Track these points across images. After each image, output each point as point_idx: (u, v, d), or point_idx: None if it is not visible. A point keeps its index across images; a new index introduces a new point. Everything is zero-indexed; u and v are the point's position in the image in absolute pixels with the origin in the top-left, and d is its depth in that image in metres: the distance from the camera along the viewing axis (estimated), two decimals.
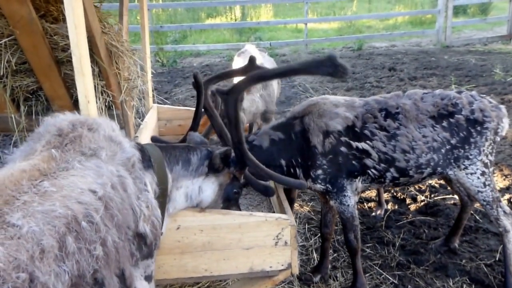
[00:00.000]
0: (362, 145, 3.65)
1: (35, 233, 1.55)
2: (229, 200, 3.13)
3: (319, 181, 3.73)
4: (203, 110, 3.64)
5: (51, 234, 1.59)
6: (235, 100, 2.80)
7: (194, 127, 3.70)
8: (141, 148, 2.56)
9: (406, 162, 3.66)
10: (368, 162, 3.67)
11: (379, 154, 3.65)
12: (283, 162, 3.79)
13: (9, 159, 2.19)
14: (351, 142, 3.65)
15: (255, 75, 2.95)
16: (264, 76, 3.00)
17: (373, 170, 3.69)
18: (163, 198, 2.60)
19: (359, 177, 3.75)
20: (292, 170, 3.81)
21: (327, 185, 3.74)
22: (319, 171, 3.70)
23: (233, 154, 3.00)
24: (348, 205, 3.77)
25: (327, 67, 2.34)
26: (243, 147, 2.91)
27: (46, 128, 2.25)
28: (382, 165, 3.67)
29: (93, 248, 1.73)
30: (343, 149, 3.65)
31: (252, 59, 3.33)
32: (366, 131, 3.66)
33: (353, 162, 3.68)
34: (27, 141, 2.26)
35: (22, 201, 1.65)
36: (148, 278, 2.40)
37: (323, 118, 3.70)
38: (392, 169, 3.69)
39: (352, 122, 3.68)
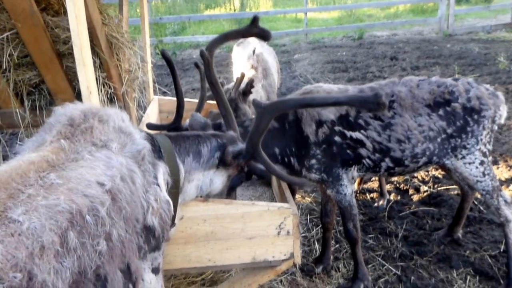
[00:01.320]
0: (356, 134, 3.61)
1: (36, 229, 1.52)
2: (232, 188, 3.18)
3: (314, 171, 3.71)
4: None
5: (53, 229, 1.57)
6: (271, 117, 2.81)
7: (179, 102, 3.71)
8: (151, 139, 2.52)
9: (402, 152, 3.61)
10: (363, 151, 3.63)
11: (373, 143, 3.61)
12: (276, 150, 3.75)
13: (20, 149, 2.15)
14: (345, 131, 3.61)
15: (303, 101, 2.94)
16: (311, 103, 2.96)
17: (367, 160, 3.66)
18: (176, 189, 2.58)
19: (354, 166, 3.72)
20: (286, 159, 3.78)
21: (322, 174, 3.71)
22: (313, 161, 3.68)
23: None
24: (345, 194, 3.75)
25: (371, 104, 2.50)
26: (259, 147, 2.92)
27: (57, 118, 2.21)
28: (377, 155, 3.64)
29: (97, 243, 1.70)
30: (337, 138, 3.62)
31: (255, 19, 3.29)
32: (360, 120, 3.62)
33: (348, 151, 3.64)
34: (38, 132, 2.23)
35: (26, 195, 1.63)
36: (155, 271, 2.39)
37: (315, 108, 3.64)
38: (387, 159, 3.65)
39: (346, 111, 3.64)
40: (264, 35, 3.29)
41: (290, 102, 2.94)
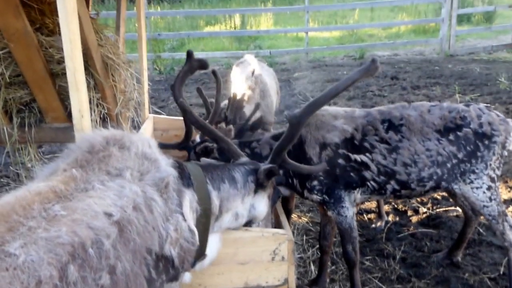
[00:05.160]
0: (360, 157, 3.59)
1: (33, 263, 1.49)
2: (272, 206, 3.24)
3: (315, 192, 3.69)
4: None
5: (52, 263, 1.53)
6: (304, 122, 2.99)
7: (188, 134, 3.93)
8: (180, 166, 2.49)
9: (407, 175, 3.60)
10: (367, 174, 3.62)
11: (378, 166, 3.60)
12: (281, 171, 3.73)
13: (38, 174, 2.12)
14: (349, 154, 3.60)
15: (330, 93, 3.04)
16: (336, 92, 3.07)
17: (372, 182, 3.64)
18: (206, 218, 2.52)
19: (358, 189, 3.70)
20: (289, 180, 3.77)
21: (324, 195, 3.69)
22: (315, 182, 3.65)
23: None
24: (346, 216, 3.71)
25: (373, 70, 2.93)
26: (285, 156, 3.09)
27: (78, 144, 2.18)
28: (382, 177, 3.62)
29: (99, 277, 1.66)
30: (340, 161, 3.60)
31: (189, 54, 3.47)
32: (365, 144, 3.61)
33: (351, 174, 3.62)
34: (57, 158, 2.19)
35: (27, 227, 1.59)
36: None
37: (320, 131, 3.66)
38: (392, 182, 3.63)
39: (351, 135, 3.63)
40: (203, 65, 3.51)
41: (321, 100, 3.02)
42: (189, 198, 2.39)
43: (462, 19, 19.17)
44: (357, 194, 3.73)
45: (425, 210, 5.64)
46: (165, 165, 2.29)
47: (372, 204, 5.79)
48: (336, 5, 21.06)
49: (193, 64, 3.45)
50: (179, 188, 2.32)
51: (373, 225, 5.34)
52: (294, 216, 5.51)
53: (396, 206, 5.80)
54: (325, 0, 24.21)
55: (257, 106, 4.57)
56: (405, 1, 18.72)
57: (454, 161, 3.62)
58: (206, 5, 23.91)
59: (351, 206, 3.73)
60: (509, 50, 15.79)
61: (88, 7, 4.59)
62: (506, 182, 6.22)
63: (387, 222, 5.38)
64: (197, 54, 16.79)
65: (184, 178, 2.45)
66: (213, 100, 4.51)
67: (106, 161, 2.08)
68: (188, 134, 4.00)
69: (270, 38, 18.65)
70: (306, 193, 3.76)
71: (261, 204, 2.96)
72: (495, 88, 10.74)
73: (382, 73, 12.88)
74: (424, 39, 17.48)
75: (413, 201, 5.86)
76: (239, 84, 5.65)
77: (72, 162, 2.05)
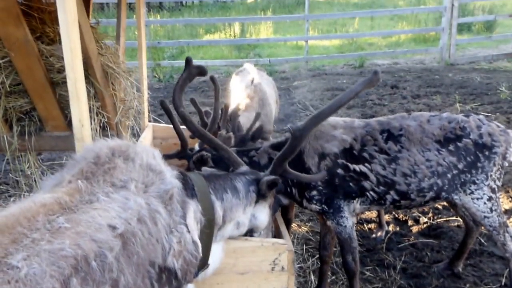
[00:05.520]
0: (360, 167, 3.59)
1: (35, 275, 1.48)
2: (272, 215, 3.27)
3: (314, 202, 3.68)
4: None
5: (54, 275, 1.52)
6: (307, 135, 3.06)
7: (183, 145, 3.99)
8: (184, 177, 2.50)
9: (407, 185, 3.59)
10: (366, 184, 3.61)
11: (377, 177, 3.59)
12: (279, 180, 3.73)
13: (43, 185, 2.12)
14: (349, 164, 3.60)
15: (332, 106, 3.08)
16: (339, 105, 3.11)
17: (371, 193, 3.63)
18: (209, 228, 2.53)
19: (357, 199, 3.68)
20: (288, 189, 3.77)
21: (323, 205, 3.68)
22: (314, 192, 3.65)
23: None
24: (346, 226, 3.70)
25: (375, 81, 2.99)
26: (286, 166, 3.11)
27: (84, 155, 2.17)
28: (381, 187, 3.61)
29: None
30: (339, 171, 3.59)
31: (188, 61, 3.44)
32: (364, 154, 3.60)
33: (350, 184, 3.62)
34: (61, 170, 2.19)
35: (30, 239, 1.58)
36: None
37: (319, 141, 3.65)
38: (392, 192, 3.62)
39: (350, 145, 3.63)
40: (202, 72, 3.50)
41: (324, 113, 3.09)
42: (193, 209, 2.39)
43: (463, 28, 19.16)
44: (357, 204, 3.71)
45: (425, 220, 5.62)
46: (170, 176, 2.28)
47: (372, 214, 5.77)
48: (336, 13, 21.06)
49: (192, 71, 3.44)
50: (183, 199, 2.33)
51: (374, 235, 5.32)
52: (294, 225, 5.49)
53: (396, 216, 5.77)
54: (325, 9, 24.28)
55: (257, 116, 4.54)
56: (405, 10, 18.81)
57: (454, 171, 3.61)
58: (206, 14, 23.95)
59: (350, 216, 3.71)
60: (509, 59, 15.75)
61: (88, 15, 4.61)
62: (508, 192, 6.20)
63: (387, 232, 5.36)
64: (197, 62, 16.80)
65: (188, 189, 2.45)
66: (208, 109, 4.52)
67: (111, 173, 2.07)
68: (183, 143, 4.04)
69: (269, 46, 18.61)
70: (305, 203, 3.75)
71: (262, 214, 2.98)
72: (495, 98, 10.73)
73: (382, 82, 12.86)
74: (424, 48, 17.44)
75: (414, 211, 5.83)
76: (238, 93, 5.65)
77: (77, 174, 2.05)
